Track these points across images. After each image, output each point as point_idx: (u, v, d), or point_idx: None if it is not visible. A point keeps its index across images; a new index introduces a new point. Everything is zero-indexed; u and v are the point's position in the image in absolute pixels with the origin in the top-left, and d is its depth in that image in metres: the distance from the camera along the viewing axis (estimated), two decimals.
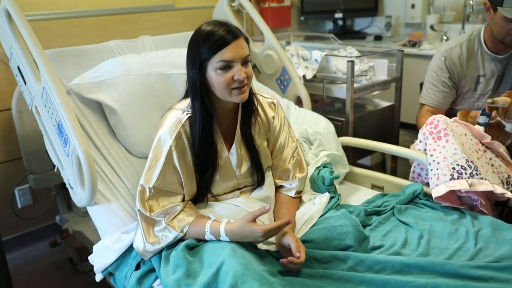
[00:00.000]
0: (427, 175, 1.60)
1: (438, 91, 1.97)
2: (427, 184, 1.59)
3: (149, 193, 1.24)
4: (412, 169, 1.74)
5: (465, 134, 1.59)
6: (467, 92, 1.99)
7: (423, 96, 2.03)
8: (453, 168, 1.46)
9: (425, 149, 1.62)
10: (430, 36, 3.03)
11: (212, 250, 1.16)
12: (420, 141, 1.66)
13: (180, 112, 1.27)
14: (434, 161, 1.52)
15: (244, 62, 1.22)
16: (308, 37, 3.28)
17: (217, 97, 1.25)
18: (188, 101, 1.29)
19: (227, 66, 1.19)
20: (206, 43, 1.18)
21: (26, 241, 2.41)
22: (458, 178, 1.44)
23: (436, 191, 1.46)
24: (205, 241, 1.22)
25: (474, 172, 1.44)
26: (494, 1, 1.76)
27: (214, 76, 1.20)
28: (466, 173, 1.44)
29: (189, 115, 1.26)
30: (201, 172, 1.29)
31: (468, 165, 1.46)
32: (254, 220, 1.16)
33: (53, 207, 2.40)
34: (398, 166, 2.40)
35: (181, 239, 1.23)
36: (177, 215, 1.25)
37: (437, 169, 1.50)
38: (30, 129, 2.07)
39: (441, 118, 1.59)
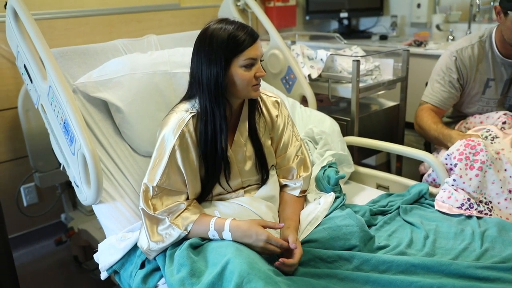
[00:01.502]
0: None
1: (444, 91, 1.92)
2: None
3: (152, 192, 1.24)
4: (427, 173, 1.73)
5: (505, 170, 1.50)
6: (475, 95, 1.94)
7: (427, 94, 1.97)
8: (468, 199, 1.46)
9: (446, 163, 1.60)
10: (436, 35, 3.02)
11: (217, 250, 1.16)
12: (447, 153, 1.59)
13: (183, 111, 1.28)
14: (452, 185, 1.51)
15: (261, 61, 1.27)
16: (314, 36, 3.27)
17: (233, 95, 1.27)
18: (192, 102, 1.29)
19: (252, 64, 1.23)
20: (231, 43, 1.20)
21: (32, 239, 2.42)
22: (465, 210, 1.44)
23: (440, 206, 1.48)
24: (209, 240, 1.22)
25: (485, 211, 1.44)
26: (505, 5, 1.68)
27: (239, 73, 1.22)
28: (476, 209, 1.44)
29: (193, 114, 1.27)
30: (210, 171, 1.29)
31: (481, 204, 1.46)
32: (263, 227, 1.17)
33: (59, 205, 2.41)
34: (403, 166, 2.39)
35: (185, 238, 1.23)
36: (181, 213, 1.25)
37: (454, 189, 1.49)
38: (36, 127, 2.08)
39: (485, 147, 1.50)
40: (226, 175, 1.31)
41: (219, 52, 1.20)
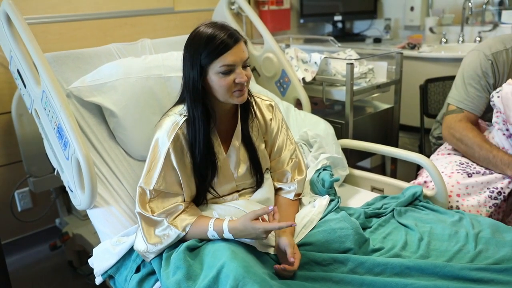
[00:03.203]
0: None
1: (481, 97, 1.74)
2: None
3: (149, 195, 1.24)
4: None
5: None
6: None
7: (461, 100, 1.77)
8: None
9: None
10: (429, 38, 3.04)
11: (213, 253, 1.16)
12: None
13: (177, 115, 1.28)
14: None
15: (244, 65, 1.23)
16: (308, 39, 3.28)
17: (216, 99, 1.26)
18: (183, 105, 1.29)
19: (229, 70, 1.20)
20: (207, 47, 1.18)
21: (26, 244, 2.40)
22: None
23: None
24: (207, 241, 1.22)
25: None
26: None
27: (216, 79, 1.21)
28: None
29: (186, 117, 1.27)
30: (202, 175, 1.29)
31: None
32: (256, 219, 1.16)
33: (53, 210, 2.40)
34: (398, 169, 2.40)
35: (183, 239, 1.23)
36: (179, 214, 1.25)
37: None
38: (30, 132, 2.07)
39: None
40: (209, 180, 1.31)
41: (196, 57, 1.20)
